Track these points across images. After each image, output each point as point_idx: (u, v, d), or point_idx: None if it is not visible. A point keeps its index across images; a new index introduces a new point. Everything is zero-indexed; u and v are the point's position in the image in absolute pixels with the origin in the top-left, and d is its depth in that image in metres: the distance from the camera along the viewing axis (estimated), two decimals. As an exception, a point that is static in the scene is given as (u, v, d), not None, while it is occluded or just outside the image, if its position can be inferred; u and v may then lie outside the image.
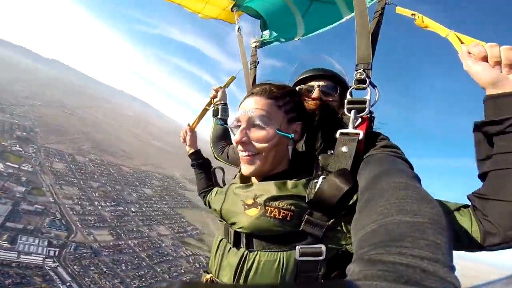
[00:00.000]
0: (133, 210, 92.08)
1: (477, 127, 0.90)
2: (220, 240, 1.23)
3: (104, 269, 55.50)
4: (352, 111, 1.13)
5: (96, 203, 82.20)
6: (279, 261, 1.01)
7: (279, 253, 1.02)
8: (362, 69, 1.21)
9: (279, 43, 2.66)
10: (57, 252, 52.51)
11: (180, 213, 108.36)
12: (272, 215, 1.01)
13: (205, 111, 2.42)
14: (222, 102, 2.32)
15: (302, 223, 1.01)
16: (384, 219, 0.59)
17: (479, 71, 0.91)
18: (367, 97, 1.16)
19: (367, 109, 1.14)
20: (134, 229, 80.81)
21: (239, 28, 2.49)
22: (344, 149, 1.04)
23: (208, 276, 1.24)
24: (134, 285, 53.47)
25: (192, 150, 2.16)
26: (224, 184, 1.61)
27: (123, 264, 59.87)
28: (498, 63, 0.89)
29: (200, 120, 2.41)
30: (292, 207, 1.02)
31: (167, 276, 60.00)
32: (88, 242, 61.68)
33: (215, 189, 1.66)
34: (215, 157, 2.17)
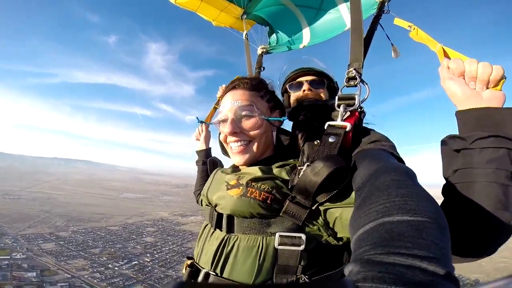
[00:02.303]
0: (148, 260, 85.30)
1: (444, 142, 0.89)
2: (206, 226, 1.23)
3: None
4: (341, 106, 1.16)
5: (110, 265, 73.86)
6: (258, 247, 0.98)
7: (259, 238, 1.00)
8: (353, 68, 1.25)
9: (286, 50, 2.68)
10: None
11: (190, 246, 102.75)
12: (252, 195, 1.00)
13: (214, 109, 2.42)
14: None
15: (282, 208, 1.00)
16: (383, 217, 0.58)
17: (452, 87, 0.92)
18: (357, 93, 1.19)
19: (356, 104, 1.15)
20: (162, 276, 75.11)
21: (246, 34, 2.60)
22: (330, 139, 1.03)
23: (189, 261, 1.21)
24: None
25: (203, 148, 2.17)
26: None
27: None
28: (474, 79, 0.89)
29: (211, 118, 2.42)
30: (274, 190, 1.01)
31: None
32: None
33: None
34: (223, 154, 2.07)
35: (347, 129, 1.05)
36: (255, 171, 1.10)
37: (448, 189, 0.85)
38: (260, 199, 1.00)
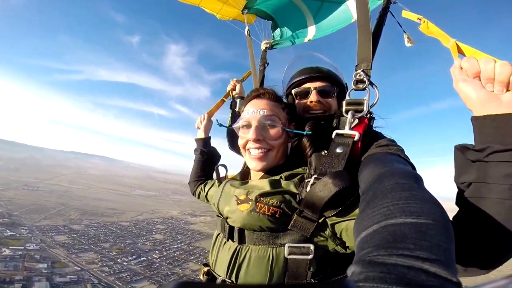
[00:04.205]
0: (156, 257, 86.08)
1: (458, 150, 0.82)
2: (218, 235, 1.29)
3: None
4: (350, 112, 1.12)
5: (119, 260, 75.23)
6: (269, 257, 1.03)
7: (269, 249, 1.04)
8: (361, 70, 1.19)
9: (290, 45, 2.60)
10: None
11: (198, 246, 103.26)
12: (261, 211, 1.03)
13: (222, 102, 2.39)
14: (240, 95, 2.31)
15: (291, 221, 1.02)
16: (386, 220, 0.57)
17: (466, 90, 0.82)
18: (366, 98, 1.13)
19: (364, 110, 1.11)
20: (169, 273, 75.45)
21: (248, 30, 2.49)
22: (338, 150, 1.02)
23: (206, 268, 1.28)
24: None
25: (202, 136, 2.13)
26: None
27: None
28: (491, 80, 0.79)
29: (217, 109, 2.39)
30: (282, 204, 1.04)
31: None
32: None
33: (209, 182, 1.92)
34: (229, 147, 2.12)
35: (355, 139, 1.03)
36: (264, 185, 1.12)
37: (461, 201, 0.81)
38: (269, 214, 1.02)
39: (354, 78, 1.21)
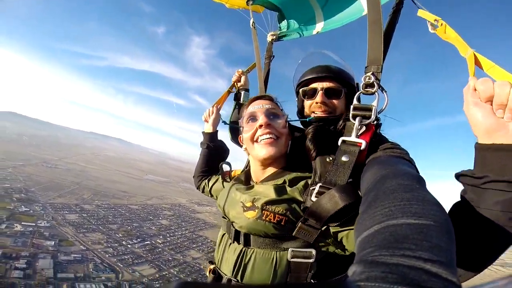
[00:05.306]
0: (160, 242, 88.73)
1: (457, 174, 0.85)
2: (223, 235, 1.34)
3: None
4: (357, 118, 1.10)
5: (124, 242, 78.07)
6: (273, 260, 1.09)
7: (273, 252, 1.10)
8: (371, 72, 1.15)
9: (298, 37, 2.51)
10: None
11: (202, 234, 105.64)
12: (267, 218, 1.08)
13: (228, 93, 2.35)
14: (245, 87, 2.27)
15: (295, 228, 1.05)
16: (388, 220, 0.58)
17: (476, 115, 0.79)
18: (374, 104, 1.10)
19: (372, 117, 1.08)
20: (170, 258, 77.75)
21: (253, 22, 2.40)
22: (344, 158, 1.02)
23: (212, 266, 1.34)
24: None
25: (210, 130, 2.06)
26: (230, 179, 1.65)
27: None
28: (503, 106, 0.76)
29: (224, 101, 2.34)
30: (288, 212, 1.08)
31: None
32: (137, 278, 59.04)
33: (213, 178, 1.89)
34: (231, 140, 2.11)
35: (361, 148, 1.02)
36: (269, 192, 1.15)
37: (457, 207, 0.84)
38: (274, 221, 1.07)
39: (363, 82, 1.16)
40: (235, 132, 2.04)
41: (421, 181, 0.73)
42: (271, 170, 1.32)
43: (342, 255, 1.10)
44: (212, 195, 1.90)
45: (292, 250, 1.08)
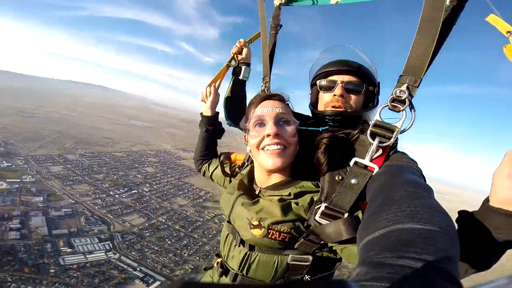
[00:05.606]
0: (146, 190, 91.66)
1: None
2: (228, 234, 1.42)
3: (155, 248, 57.91)
4: (376, 139, 1.04)
5: (111, 193, 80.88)
6: (274, 262, 1.21)
7: (275, 256, 1.21)
8: (406, 85, 1.01)
9: (311, 4, 2.09)
10: (110, 245, 53.92)
11: (188, 181, 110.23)
12: (273, 237, 1.14)
13: (226, 68, 2.11)
14: (246, 61, 2.09)
15: (297, 243, 1.16)
16: (393, 225, 0.59)
17: (504, 184, 0.81)
18: (398, 125, 1.02)
19: (392, 140, 1.03)
20: (157, 206, 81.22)
21: None
22: (354, 181, 1.01)
23: (219, 259, 1.45)
24: (185, 255, 57.34)
25: (208, 113, 1.97)
26: (231, 173, 1.69)
27: (167, 239, 62.53)
28: None
29: (222, 77, 2.13)
30: (292, 230, 1.13)
31: (205, 240, 64.47)
32: (127, 229, 62.69)
33: (213, 162, 1.93)
34: (226, 118, 2.04)
35: (373, 173, 1.00)
36: (275, 210, 1.16)
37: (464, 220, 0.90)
38: (279, 239, 1.14)
39: (394, 94, 1.03)
40: (232, 110, 2.03)
41: (428, 190, 0.74)
42: (276, 177, 1.30)
43: (333, 258, 1.24)
44: (213, 180, 1.94)
45: (292, 256, 1.19)
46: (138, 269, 48.95)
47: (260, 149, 1.23)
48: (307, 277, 1.24)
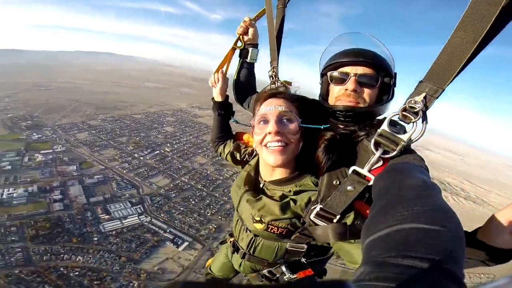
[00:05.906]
0: (168, 150, 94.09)
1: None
2: (238, 220, 1.66)
3: (181, 208, 61.57)
4: (379, 150, 1.01)
5: (136, 155, 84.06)
6: (275, 247, 1.46)
7: (275, 243, 1.45)
8: (424, 95, 0.91)
9: None
10: (141, 208, 57.61)
11: (205, 139, 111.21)
12: (272, 231, 1.33)
13: (233, 51, 2.03)
14: (253, 42, 1.99)
15: (293, 235, 1.33)
16: (399, 224, 0.59)
17: (507, 239, 0.83)
18: (405, 138, 0.97)
19: (395, 152, 0.99)
20: (180, 166, 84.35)
21: None
22: (350, 187, 1.05)
23: (232, 239, 1.77)
24: (208, 214, 60.24)
25: (218, 99, 1.97)
26: (242, 160, 1.82)
27: (191, 199, 66.09)
28: None
29: (229, 61, 2.04)
30: (289, 226, 1.30)
31: (226, 198, 66.86)
32: (155, 191, 66.62)
33: (228, 144, 1.97)
34: (236, 101, 2.04)
35: (369, 184, 1.02)
36: (275, 210, 1.31)
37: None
38: (278, 232, 1.32)
39: (408, 104, 0.94)
40: (240, 91, 2.04)
41: (434, 189, 0.74)
42: (279, 172, 1.38)
43: (327, 246, 1.44)
44: (228, 160, 1.99)
45: (290, 244, 1.40)
46: (168, 231, 52.30)
47: (263, 146, 1.29)
48: (303, 259, 1.49)
